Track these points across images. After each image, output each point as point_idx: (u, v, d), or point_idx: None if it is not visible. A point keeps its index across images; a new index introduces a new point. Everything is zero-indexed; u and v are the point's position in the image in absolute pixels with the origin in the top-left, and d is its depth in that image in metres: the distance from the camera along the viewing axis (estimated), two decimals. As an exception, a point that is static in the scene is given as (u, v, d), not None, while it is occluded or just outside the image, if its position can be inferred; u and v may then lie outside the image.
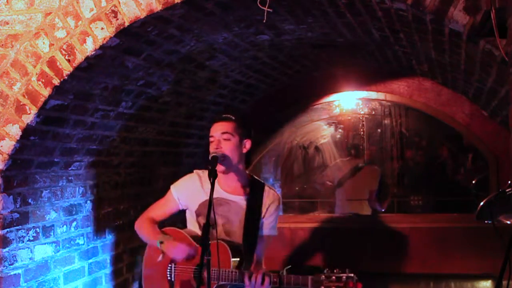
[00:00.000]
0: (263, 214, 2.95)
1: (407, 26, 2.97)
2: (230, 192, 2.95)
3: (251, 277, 2.71)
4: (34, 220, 3.19)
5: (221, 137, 2.86)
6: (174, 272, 2.91)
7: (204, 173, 2.97)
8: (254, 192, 2.96)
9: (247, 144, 2.93)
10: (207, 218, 2.54)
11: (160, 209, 3.08)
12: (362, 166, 5.32)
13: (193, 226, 3.01)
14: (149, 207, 3.14)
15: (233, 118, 2.91)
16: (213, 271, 2.71)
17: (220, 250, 2.70)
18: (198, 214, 2.96)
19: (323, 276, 2.67)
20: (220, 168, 2.82)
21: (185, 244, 2.81)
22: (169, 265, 2.91)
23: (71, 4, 2.77)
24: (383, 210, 5.18)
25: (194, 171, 3.05)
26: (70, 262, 3.54)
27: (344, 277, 2.65)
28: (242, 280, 2.74)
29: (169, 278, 2.91)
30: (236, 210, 2.93)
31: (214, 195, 2.79)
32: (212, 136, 2.89)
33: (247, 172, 3.03)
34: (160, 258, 2.91)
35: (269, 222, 2.98)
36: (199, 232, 2.93)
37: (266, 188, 3.00)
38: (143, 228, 3.04)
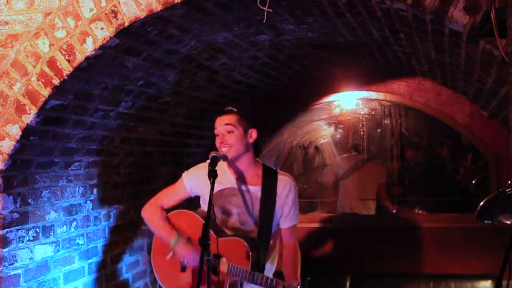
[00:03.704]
0: (277, 198, 2.95)
1: (407, 26, 2.97)
2: (244, 182, 2.97)
3: None
4: (34, 220, 3.19)
5: (225, 129, 2.91)
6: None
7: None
8: (267, 181, 2.97)
9: (253, 133, 2.96)
10: (207, 217, 2.56)
11: (171, 197, 3.12)
12: (364, 161, 5.29)
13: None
14: (158, 193, 3.16)
15: (235, 110, 2.96)
16: (232, 267, 2.78)
17: (237, 246, 2.81)
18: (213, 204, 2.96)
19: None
20: (228, 156, 2.89)
21: (197, 251, 2.76)
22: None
23: (71, 4, 2.77)
24: (394, 211, 5.13)
25: (207, 161, 3.01)
26: (70, 262, 3.53)
27: None
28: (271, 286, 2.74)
29: (181, 260, 2.97)
30: (251, 200, 2.94)
31: (228, 185, 2.95)
32: (216, 129, 2.95)
33: (258, 160, 3.05)
34: (169, 256, 2.97)
35: (288, 207, 2.99)
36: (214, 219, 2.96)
37: (279, 176, 3.00)
38: (154, 219, 3.07)
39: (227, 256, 2.82)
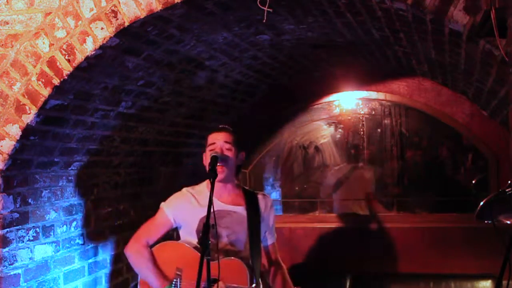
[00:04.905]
0: (261, 216, 3.02)
1: (407, 26, 2.97)
2: (230, 203, 2.99)
3: None
4: (34, 220, 3.19)
5: (224, 146, 2.91)
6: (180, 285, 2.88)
7: (195, 188, 3.03)
8: (249, 201, 3.03)
9: (242, 157, 3.02)
10: (207, 218, 2.55)
11: (155, 232, 3.02)
12: (356, 169, 5.30)
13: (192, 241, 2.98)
14: (139, 229, 3.05)
15: (231, 129, 2.99)
16: None
17: (232, 266, 2.78)
18: (199, 231, 2.87)
19: None
20: (220, 176, 2.83)
21: None
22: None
23: (71, 4, 2.77)
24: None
25: (184, 189, 3.05)
26: (70, 262, 3.54)
27: None
28: None
29: None
30: (239, 220, 2.97)
31: (214, 208, 2.84)
32: (213, 144, 2.92)
33: (238, 183, 3.11)
34: None
35: (270, 224, 3.10)
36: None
37: (259, 195, 3.10)
38: (141, 261, 2.96)
39: (223, 278, 2.75)
